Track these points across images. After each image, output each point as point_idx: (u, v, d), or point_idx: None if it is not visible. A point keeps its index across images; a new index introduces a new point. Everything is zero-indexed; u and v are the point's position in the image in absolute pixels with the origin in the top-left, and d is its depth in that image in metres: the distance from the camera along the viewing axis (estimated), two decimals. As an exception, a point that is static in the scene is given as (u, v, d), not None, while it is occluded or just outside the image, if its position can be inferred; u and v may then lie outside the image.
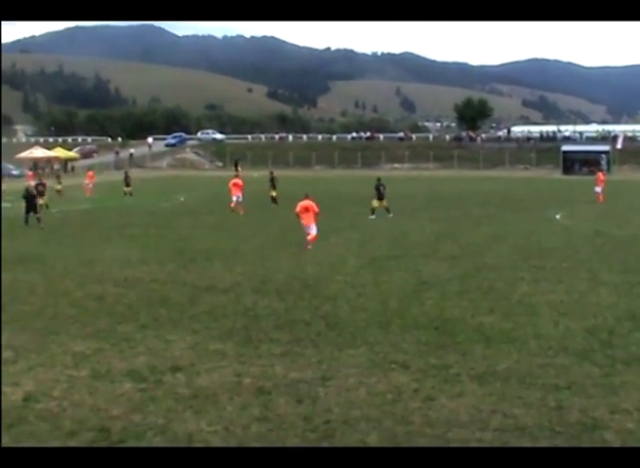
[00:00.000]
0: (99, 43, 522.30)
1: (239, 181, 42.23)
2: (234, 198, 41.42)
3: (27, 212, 35.95)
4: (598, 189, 46.67)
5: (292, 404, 11.07)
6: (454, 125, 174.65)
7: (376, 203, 37.34)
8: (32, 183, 45.11)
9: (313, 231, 27.31)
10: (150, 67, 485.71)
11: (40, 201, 40.14)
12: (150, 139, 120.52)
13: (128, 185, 54.87)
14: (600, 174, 49.96)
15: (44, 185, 44.58)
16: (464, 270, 22.29)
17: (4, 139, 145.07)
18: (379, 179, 38.17)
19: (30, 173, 68.96)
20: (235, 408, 10.94)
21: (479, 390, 11.56)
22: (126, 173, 59.01)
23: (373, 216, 36.81)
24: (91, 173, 60.09)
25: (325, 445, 9.55)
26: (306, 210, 27.56)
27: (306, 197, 27.95)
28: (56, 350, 14.03)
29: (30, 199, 36.24)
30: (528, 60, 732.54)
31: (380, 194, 37.37)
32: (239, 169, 74.45)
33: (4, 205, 43.95)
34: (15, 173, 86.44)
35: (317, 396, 11.42)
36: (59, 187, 55.29)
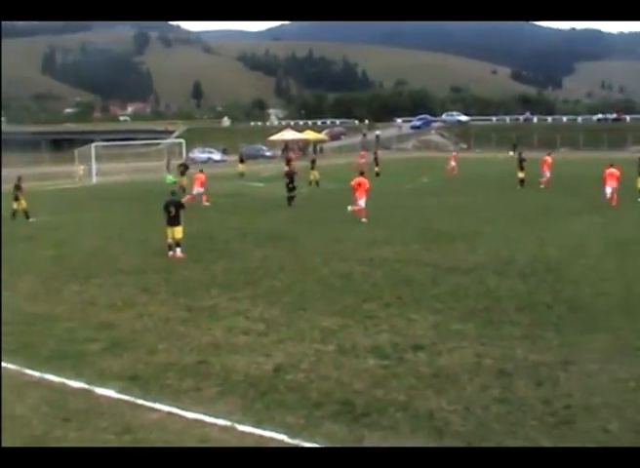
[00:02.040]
0: (345, 28, 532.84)
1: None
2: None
3: (289, 192, 37.18)
4: None
5: (532, 387, 10.99)
6: None
7: None
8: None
9: None
10: (396, 51, 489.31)
11: (311, 177, 46.48)
12: (400, 121, 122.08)
13: (377, 165, 56.00)
14: None
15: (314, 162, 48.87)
16: None
17: (258, 123, 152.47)
18: None
19: (295, 154, 71.61)
20: (475, 388, 11.00)
21: None
22: (375, 153, 60.38)
23: None
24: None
25: (565, 430, 9.43)
26: None
27: None
28: (304, 325, 14.69)
29: (292, 179, 37.49)
30: None
31: None
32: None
33: (257, 185, 46.28)
34: (268, 154, 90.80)
35: (557, 380, 11.26)
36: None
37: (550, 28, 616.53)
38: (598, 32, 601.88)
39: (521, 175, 43.92)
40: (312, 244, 24.95)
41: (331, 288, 18.04)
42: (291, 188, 36.90)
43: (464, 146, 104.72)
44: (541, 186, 43.62)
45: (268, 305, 16.34)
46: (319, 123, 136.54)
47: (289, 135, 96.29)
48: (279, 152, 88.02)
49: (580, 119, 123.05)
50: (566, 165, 60.71)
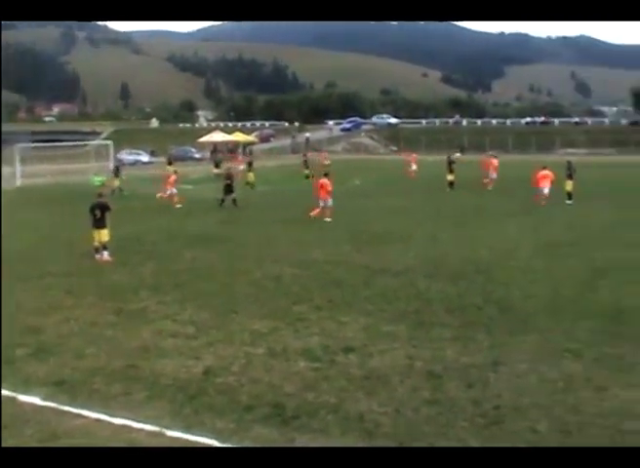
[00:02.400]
0: (276, 30, 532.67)
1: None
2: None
3: (226, 193, 36.78)
4: None
5: (462, 388, 11.07)
6: (630, 109, 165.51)
7: (570, 186, 36.21)
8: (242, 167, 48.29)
9: None
10: (326, 53, 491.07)
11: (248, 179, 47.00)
12: (331, 123, 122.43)
13: (307, 168, 55.95)
14: None
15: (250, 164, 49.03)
16: (646, 258, 21.37)
17: (187, 124, 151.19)
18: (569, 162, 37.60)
19: (240, 157, 70.88)
20: (406, 390, 11.04)
21: (658, 382, 11.16)
22: (305, 155, 60.32)
23: (570, 202, 35.68)
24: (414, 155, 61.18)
25: (495, 430, 9.51)
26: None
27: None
28: (234, 328, 14.57)
29: (231, 180, 37.11)
30: None
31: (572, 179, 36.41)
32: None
33: (185, 187, 45.81)
34: (197, 156, 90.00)
35: (487, 381, 11.38)
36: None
37: (480, 32, 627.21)
38: (526, 36, 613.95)
39: (450, 177, 44.43)
40: (242, 246, 24.81)
41: (261, 290, 17.94)
42: (230, 190, 36.57)
43: (394, 149, 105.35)
44: (489, 188, 44.30)
45: (197, 308, 16.18)
46: (249, 125, 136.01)
47: (218, 136, 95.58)
48: (208, 154, 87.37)
49: (508, 122, 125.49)
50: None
